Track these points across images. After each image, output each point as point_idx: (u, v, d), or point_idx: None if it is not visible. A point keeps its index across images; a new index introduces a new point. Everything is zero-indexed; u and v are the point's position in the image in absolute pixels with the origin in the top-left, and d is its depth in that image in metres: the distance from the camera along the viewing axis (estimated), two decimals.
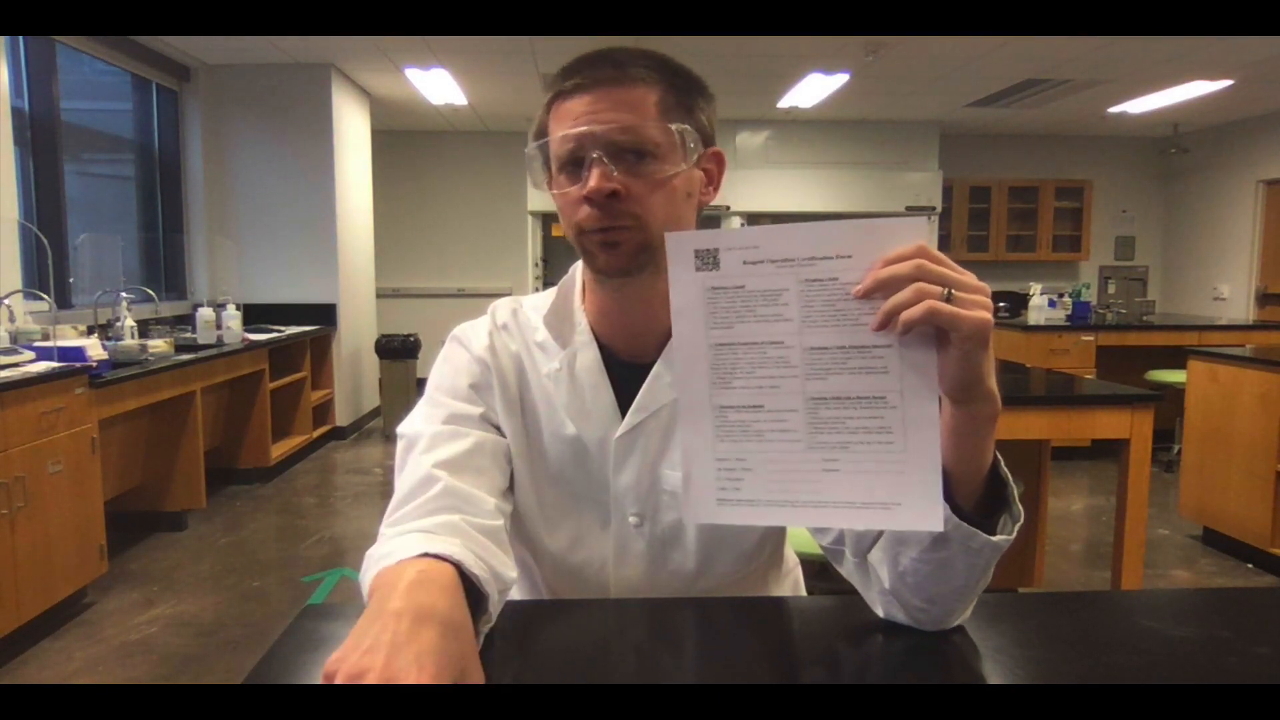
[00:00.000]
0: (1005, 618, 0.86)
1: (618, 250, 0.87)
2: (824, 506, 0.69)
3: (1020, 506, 0.77)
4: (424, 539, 0.77)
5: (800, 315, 0.68)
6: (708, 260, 0.69)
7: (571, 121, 0.85)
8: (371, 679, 0.58)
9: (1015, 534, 0.76)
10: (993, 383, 0.69)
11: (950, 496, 0.73)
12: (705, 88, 0.92)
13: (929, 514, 0.67)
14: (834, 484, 0.69)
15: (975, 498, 0.75)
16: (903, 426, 0.67)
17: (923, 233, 0.67)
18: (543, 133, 0.89)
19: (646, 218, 0.86)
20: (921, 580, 0.78)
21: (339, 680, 0.59)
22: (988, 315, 0.65)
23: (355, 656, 0.60)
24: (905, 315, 0.64)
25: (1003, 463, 0.76)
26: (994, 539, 0.74)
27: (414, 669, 0.59)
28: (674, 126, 0.86)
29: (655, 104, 0.86)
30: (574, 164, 0.86)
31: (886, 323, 0.65)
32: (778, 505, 0.70)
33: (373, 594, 0.70)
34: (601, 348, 0.96)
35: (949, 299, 0.64)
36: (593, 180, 0.83)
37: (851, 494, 0.68)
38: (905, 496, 0.67)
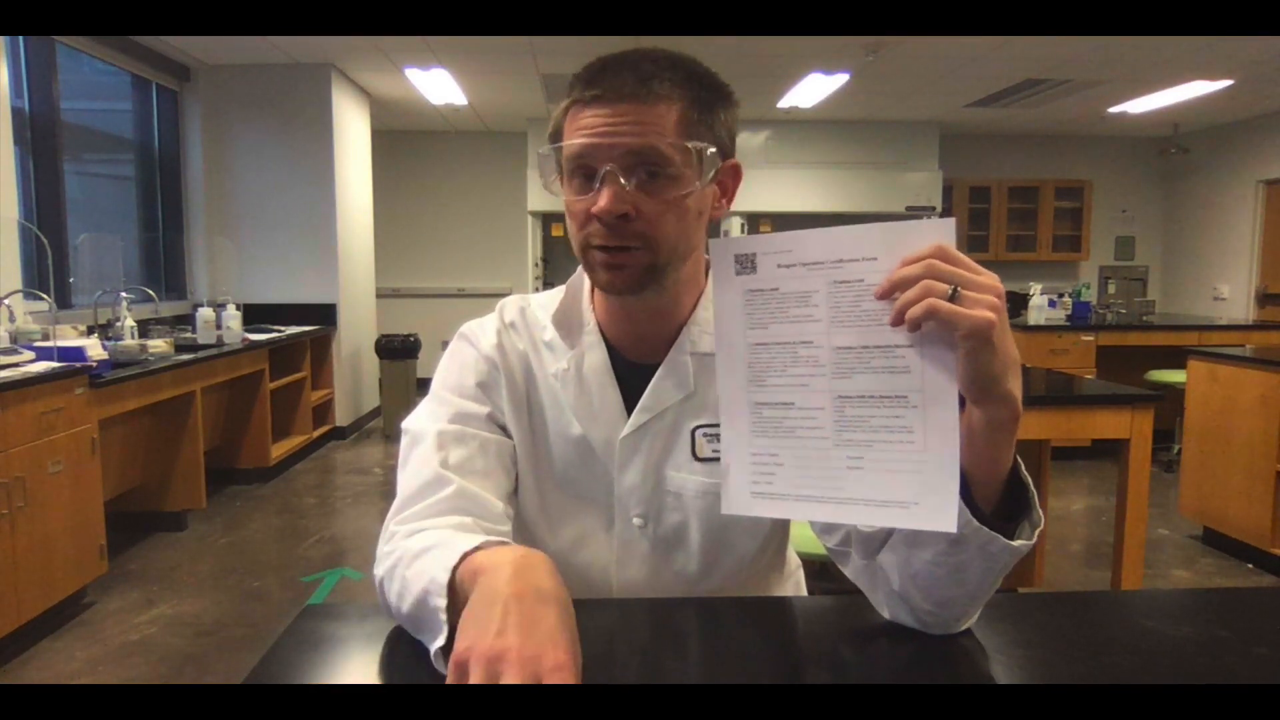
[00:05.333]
0: (1005, 618, 0.86)
1: (623, 273, 0.86)
2: (846, 503, 0.71)
3: (1040, 512, 0.75)
4: (467, 536, 0.76)
5: (828, 316, 0.70)
6: (746, 264, 0.73)
7: (588, 132, 0.83)
8: (512, 660, 0.57)
9: (1035, 539, 0.75)
10: (1011, 385, 0.67)
11: (970, 499, 0.72)
12: (729, 95, 0.90)
13: (944, 515, 0.67)
14: (856, 481, 0.70)
15: (994, 501, 0.74)
16: (923, 426, 0.67)
17: (947, 234, 0.67)
18: (558, 135, 0.87)
19: (656, 239, 0.84)
20: (933, 583, 0.78)
21: (474, 667, 0.57)
22: (990, 314, 0.64)
23: (488, 641, 0.59)
24: (909, 313, 0.65)
25: (1023, 467, 0.75)
26: (1013, 544, 0.73)
27: (550, 647, 0.59)
28: (692, 146, 0.84)
29: (676, 121, 0.84)
30: (586, 175, 0.84)
31: (899, 321, 0.66)
32: (805, 500, 0.72)
33: (476, 577, 0.68)
34: (609, 348, 0.96)
35: (955, 297, 0.64)
36: (603, 200, 0.82)
37: (872, 491, 0.69)
38: (922, 496, 0.68)
